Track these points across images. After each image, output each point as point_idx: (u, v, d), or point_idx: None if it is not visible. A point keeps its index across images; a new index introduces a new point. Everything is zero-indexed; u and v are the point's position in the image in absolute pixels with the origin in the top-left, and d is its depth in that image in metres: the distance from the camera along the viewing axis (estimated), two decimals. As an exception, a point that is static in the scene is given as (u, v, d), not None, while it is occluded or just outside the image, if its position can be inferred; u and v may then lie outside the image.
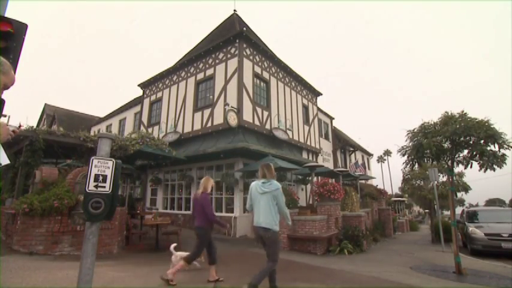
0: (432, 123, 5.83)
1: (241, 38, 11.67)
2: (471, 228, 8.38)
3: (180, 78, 14.22)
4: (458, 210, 13.47)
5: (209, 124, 11.88)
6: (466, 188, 12.98)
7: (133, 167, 12.10)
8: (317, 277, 4.96)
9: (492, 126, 5.07)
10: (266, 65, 13.17)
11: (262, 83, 12.82)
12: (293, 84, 15.37)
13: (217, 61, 12.52)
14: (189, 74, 13.81)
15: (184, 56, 15.89)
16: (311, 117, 16.89)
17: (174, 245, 4.96)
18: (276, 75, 13.83)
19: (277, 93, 13.57)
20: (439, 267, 6.09)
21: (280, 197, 3.51)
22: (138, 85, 16.84)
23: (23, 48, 2.48)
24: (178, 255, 4.58)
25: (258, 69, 12.46)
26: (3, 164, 1.52)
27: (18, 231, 5.40)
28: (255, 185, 3.64)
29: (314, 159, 16.29)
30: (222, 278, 4.27)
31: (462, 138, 5.33)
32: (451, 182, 5.95)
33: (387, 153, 49.15)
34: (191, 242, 8.21)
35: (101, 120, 22.90)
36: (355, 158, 23.09)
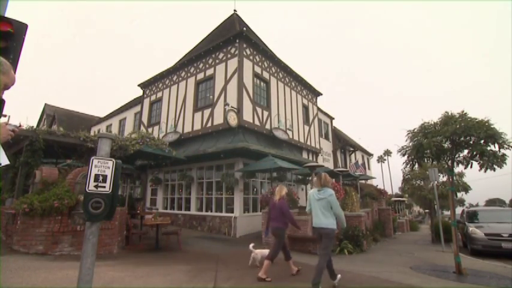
0: (432, 123, 5.83)
1: (241, 38, 11.67)
2: (471, 228, 8.38)
3: (180, 78, 14.23)
4: (459, 210, 13.47)
5: (209, 124, 11.88)
6: (466, 188, 12.96)
7: (133, 167, 12.10)
8: (317, 277, 4.94)
9: (492, 126, 5.07)
10: (266, 65, 13.17)
11: (262, 83, 12.82)
12: (293, 84, 15.37)
13: (217, 61, 12.52)
14: (189, 74, 13.81)
15: (184, 56, 15.89)
16: (311, 117, 16.89)
17: (253, 244, 5.50)
18: (276, 75, 13.83)
19: (277, 93, 13.57)
20: (439, 267, 6.08)
21: (334, 201, 4.10)
22: (138, 85, 16.85)
23: (23, 48, 2.48)
24: (258, 253, 5.14)
25: (258, 69, 12.46)
26: (3, 164, 1.52)
27: (18, 231, 5.40)
28: (312, 192, 4.32)
29: (314, 159, 16.29)
30: (300, 268, 4.91)
31: (462, 138, 5.32)
32: (451, 182, 5.95)
33: (387, 153, 49.20)
34: (191, 242, 8.23)
35: (101, 120, 22.90)
36: (355, 158, 23.08)
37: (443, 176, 12.33)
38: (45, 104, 26.49)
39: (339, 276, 4.21)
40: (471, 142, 5.31)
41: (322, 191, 4.16)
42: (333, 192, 4.14)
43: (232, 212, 10.45)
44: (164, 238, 7.55)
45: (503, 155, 5.05)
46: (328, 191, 4.13)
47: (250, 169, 10.25)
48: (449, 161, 5.71)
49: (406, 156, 6.01)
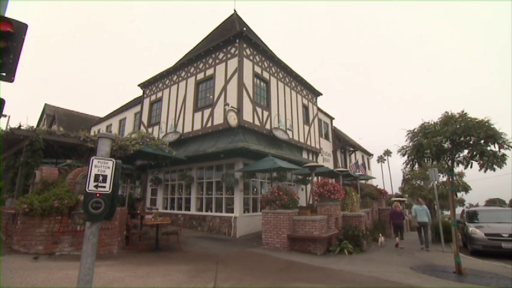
0: (432, 123, 5.84)
1: (241, 38, 11.67)
2: (471, 228, 8.38)
3: (180, 78, 14.23)
4: (459, 210, 13.46)
5: (209, 124, 11.88)
6: (466, 188, 12.99)
7: (133, 167, 12.11)
8: (317, 277, 4.96)
9: (492, 126, 5.08)
10: (266, 65, 13.17)
11: (262, 83, 12.82)
12: (293, 84, 15.37)
13: (217, 61, 12.52)
14: (189, 74, 13.82)
15: (185, 56, 15.89)
16: (311, 117, 16.89)
17: (381, 237, 9.46)
18: (276, 75, 13.83)
19: (277, 93, 13.58)
20: (439, 267, 6.09)
21: (427, 211, 9.01)
22: (138, 85, 16.85)
23: (23, 48, 2.48)
24: (383, 238, 9.50)
25: (258, 69, 12.46)
26: None
27: (18, 231, 5.40)
28: (416, 206, 9.35)
29: (314, 159, 16.29)
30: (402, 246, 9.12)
31: (462, 138, 5.33)
32: (451, 182, 5.95)
33: (387, 153, 49.22)
34: (191, 242, 8.24)
35: (101, 120, 22.90)
36: (355, 158, 23.09)
37: (443, 176, 12.35)
38: (45, 104, 26.52)
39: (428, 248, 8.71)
40: (471, 142, 5.32)
41: (422, 206, 9.19)
42: (425, 207, 9.17)
43: (232, 212, 10.45)
44: (164, 238, 7.56)
45: (503, 155, 5.06)
46: (424, 206, 9.19)
47: (250, 169, 10.25)
48: (449, 161, 5.71)
49: (406, 156, 6.02)
